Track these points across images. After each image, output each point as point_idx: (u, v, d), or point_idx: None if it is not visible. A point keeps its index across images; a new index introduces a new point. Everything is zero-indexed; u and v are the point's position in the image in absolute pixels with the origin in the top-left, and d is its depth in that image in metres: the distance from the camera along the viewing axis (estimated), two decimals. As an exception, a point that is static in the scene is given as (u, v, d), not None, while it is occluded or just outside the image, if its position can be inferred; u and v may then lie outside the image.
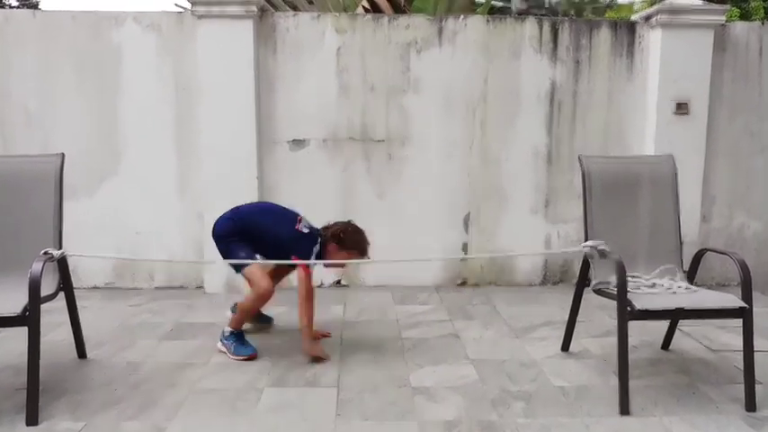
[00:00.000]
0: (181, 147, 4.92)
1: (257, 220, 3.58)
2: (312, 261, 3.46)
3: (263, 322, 3.99)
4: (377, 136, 5.01)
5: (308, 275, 3.44)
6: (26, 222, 3.24)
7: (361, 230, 3.58)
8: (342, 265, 3.65)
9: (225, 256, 3.54)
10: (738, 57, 5.06)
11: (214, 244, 3.60)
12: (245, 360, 3.42)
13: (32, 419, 2.68)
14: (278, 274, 3.85)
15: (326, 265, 3.71)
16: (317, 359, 3.40)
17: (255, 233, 3.51)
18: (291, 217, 3.61)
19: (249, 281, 3.46)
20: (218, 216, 4.74)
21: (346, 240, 3.51)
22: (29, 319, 2.71)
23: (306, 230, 3.54)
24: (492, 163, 5.08)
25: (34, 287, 2.72)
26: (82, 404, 2.88)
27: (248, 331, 3.69)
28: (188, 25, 4.78)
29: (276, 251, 3.47)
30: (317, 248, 3.50)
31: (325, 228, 3.60)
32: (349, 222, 3.61)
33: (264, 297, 3.46)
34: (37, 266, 2.77)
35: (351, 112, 4.97)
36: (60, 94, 4.84)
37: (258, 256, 3.48)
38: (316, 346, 3.46)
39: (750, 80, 5.08)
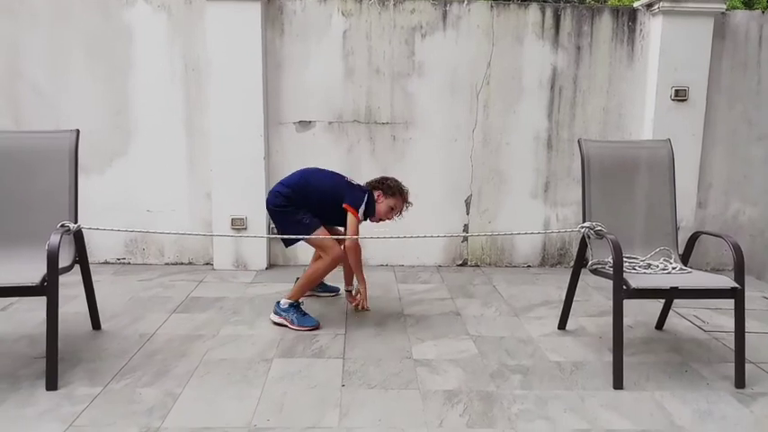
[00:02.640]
0: (189, 127, 5.01)
1: (309, 180, 3.70)
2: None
3: (330, 291, 4.29)
4: (381, 119, 5.10)
5: (358, 221, 3.63)
6: (41, 197, 3.34)
7: (398, 180, 3.82)
8: (389, 216, 3.77)
9: (281, 228, 3.67)
10: (738, 45, 5.13)
11: (270, 218, 3.81)
12: (310, 330, 3.59)
13: (52, 385, 2.80)
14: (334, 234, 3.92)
15: (375, 220, 3.82)
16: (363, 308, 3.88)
17: (310, 193, 3.64)
18: (339, 175, 3.83)
19: (319, 247, 3.65)
20: (224, 195, 4.86)
21: (391, 186, 3.74)
22: (47, 288, 2.81)
23: (355, 183, 3.77)
24: (494, 146, 5.18)
25: (52, 257, 2.82)
26: (98, 372, 3.00)
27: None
28: (197, 6, 4.85)
29: (330, 208, 3.65)
30: (366, 197, 3.68)
31: (368, 182, 3.83)
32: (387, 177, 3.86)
33: (337, 261, 3.65)
34: (55, 238, 2.88)
35: (356, 95, 5.05)
36: (71, 74, 4.92)
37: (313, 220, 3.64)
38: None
39: (749, 68, 5.16)
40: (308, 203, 3.62)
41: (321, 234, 3.60)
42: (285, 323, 3.62)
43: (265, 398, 2.76)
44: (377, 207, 3.73)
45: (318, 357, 3.22)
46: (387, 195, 3.73)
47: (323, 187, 3.68)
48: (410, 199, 3.83)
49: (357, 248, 3.70)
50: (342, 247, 3.67)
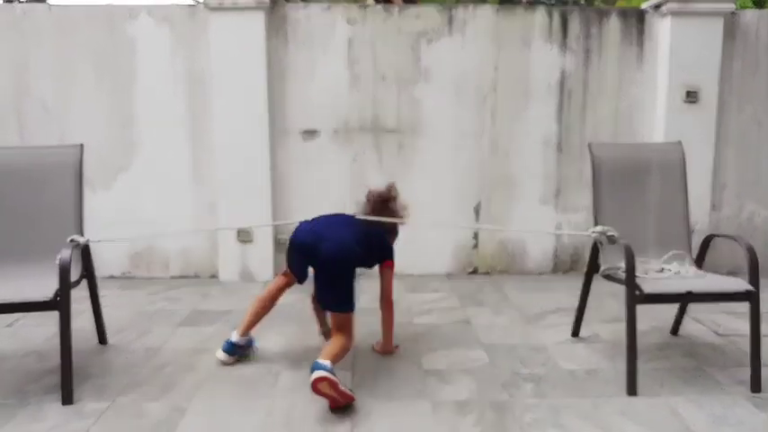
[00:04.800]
0: (195, 138, 5.00)
1: (366, 234, 3.19)
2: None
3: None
4: (388, 126, 5.07)
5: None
6: (47, 211, 3.33)
7: (393, 197, 3.33)
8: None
9: (341, 288, 2.97)
10: (748, 45, 5.06)
11: (329, 274, 3.02)
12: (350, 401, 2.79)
13: (68, 399, 2.79)
14: None
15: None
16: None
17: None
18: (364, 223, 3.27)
19: (346, 328, 2.97)
20: (230, 207, 4.82)
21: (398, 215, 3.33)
22: (60, 303, 2.80)
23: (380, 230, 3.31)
24: (502, 152, 5.13)
25: (64, 272, 2.80)
26: (106, 386, 2.98)
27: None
28: (200, 18, 4.85)
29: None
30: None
31: (373, 219, 3.27)
32: (380, 197, 3.31)
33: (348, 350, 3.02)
34: (66, 253, 2.87)
35: (362, 102, 5.03)
36: (76, 88, 4.93)
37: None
38: (392, 345, 3.38)
39: (760, 68, 5.08)
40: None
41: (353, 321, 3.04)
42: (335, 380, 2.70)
43: (274, 410, 2.73)
44: (391, 239, 3.41)
45: (327, 369, 3.18)
46: (396, 226, 3.40)
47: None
48: (409, 206, 3.42)
49: (392, 304, 3.36)
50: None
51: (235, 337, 3.25)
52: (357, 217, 3.26)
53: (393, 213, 3.31)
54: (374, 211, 3.28)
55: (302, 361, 3.28)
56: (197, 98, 4.95)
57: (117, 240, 3.41)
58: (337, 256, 2.96)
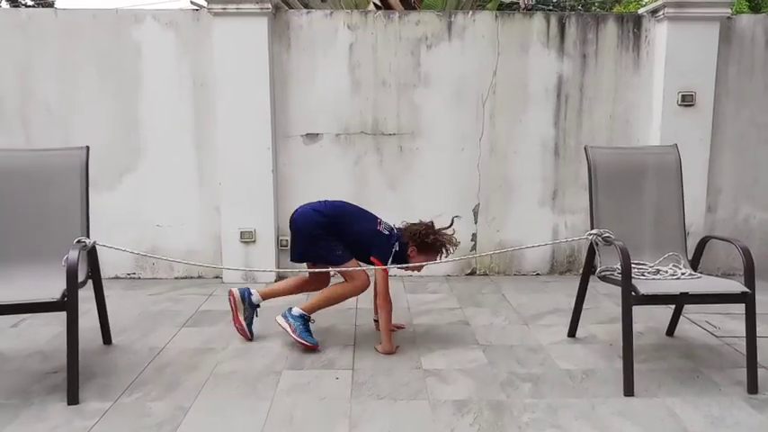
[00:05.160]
0: (199, 141, 5.05)
1: (343, 215, 3.53)
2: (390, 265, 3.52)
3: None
4: (388, 130, 5.12)
5: (387, 275, 3.48)
6: (54, 213, 3.37)
7: (441, 234, 3.51)
8: (419, 268, 3.61)
9: (308, 248, 3.51)
10: (744, 49, 5.12)
11: (293, 234, 3.59)
12: (306, 347, 3.44)
13: (73, 399, 2.82)
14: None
15: (402, 268, 3.63)
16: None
17: (340, 228, 3.46)
18: (372, 217, 3.60)
19: (348, 276, 3.50)
20: (233, 209, 4.88)
21: (429, 243, 3.47)
22: (67, 304, 2.83)
23: (386, 232, 3.52)
24: (501, 155, 5.19)
25: (72, 273, 2.83)
26: (109, 386, 3.02)
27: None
28: (204, 23, 4.90)
29: (359, 249, 3.52)
30: (395, 249, 3.49)
31: (406, 229, 3.55)
32: (430, 226, 3.53)
33: (362, 289, 3.50)
34: (74, 254, 2.89)
35: (363, 107, 5.09)
36: (81, 91, 4.98)
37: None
38: (392, 345, 3.47)
39: (756, 72, 5.14)
40: (339, 237, 3.46)
41: (352, 265, 3.47)
42: (287, 329, 3.47)
43: (275, 410, 2.77)
44: (408, 260, 3.52)
45: (327, 369, 3.22)
46: (421, 252, 3.49)
47: (356, 228, 3.50)
48: (440, 229, 3.54)
49: (389, 304, 3.49)
50: (369, 277, 3.55)
51: (255, 293, 3.70)
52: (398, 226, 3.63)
53: (416, 239, 3.49)
54: (408, 227, 3.56)
55: (304, 361, 3.33)
56: (202, 102, 5.00)
57: (126, 250, 3.43)
58: (296, 218, 3.55)
